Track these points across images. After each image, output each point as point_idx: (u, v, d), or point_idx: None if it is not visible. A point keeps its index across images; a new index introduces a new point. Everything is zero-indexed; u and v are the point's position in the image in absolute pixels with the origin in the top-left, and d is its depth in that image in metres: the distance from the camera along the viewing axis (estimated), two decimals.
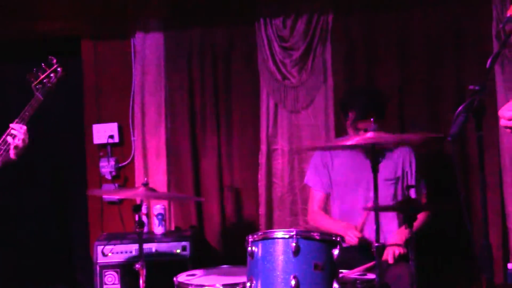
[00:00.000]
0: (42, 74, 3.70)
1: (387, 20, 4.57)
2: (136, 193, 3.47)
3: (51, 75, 3.71)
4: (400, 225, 3.88)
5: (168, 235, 4.40)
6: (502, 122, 2.30)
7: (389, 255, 3.67)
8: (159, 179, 4.73)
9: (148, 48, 4.77)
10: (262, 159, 4.67)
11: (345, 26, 4.61)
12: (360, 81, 4.57)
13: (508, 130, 2.33)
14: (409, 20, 4.55)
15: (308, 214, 4.28)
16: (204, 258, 4.46)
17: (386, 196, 3.88)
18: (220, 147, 4.76)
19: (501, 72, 4.30)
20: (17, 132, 3.47)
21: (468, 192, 4.38)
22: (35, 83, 3.67)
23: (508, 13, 2.09)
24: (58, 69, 3.73)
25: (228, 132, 4.76)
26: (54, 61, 3.74)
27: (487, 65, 2.11)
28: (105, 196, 4.78)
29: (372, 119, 3.27)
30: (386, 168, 3.87)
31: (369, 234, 3.72)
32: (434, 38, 4.53)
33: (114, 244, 4.19)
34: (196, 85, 4.76)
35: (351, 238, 3.68)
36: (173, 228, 4.69)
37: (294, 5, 4.62)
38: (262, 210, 4.66)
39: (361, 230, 3.68)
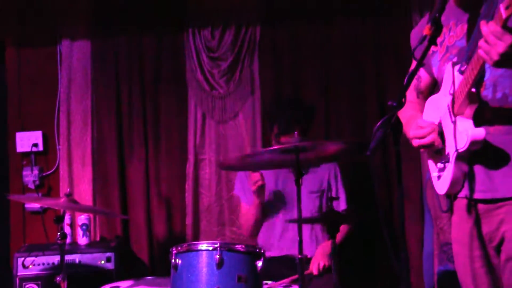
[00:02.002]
0: None
1: (312, 32, 4.63)
2: (57, 203, 3.40)
3: None
4: (317, 237, 3.93)
5: (92, 246, 4.33)
6: (414, 143, 2.39)
7: (314, 267, 3.71)
8: (84, 189, 4.66)
9: (74, 56, 4.71)
10: (190, 169, 4.66)
11: (272, 38, 4.66)
12: (287, 92, 4.62)
13: (422, 150, 2.43)
14: (332, 31, 4.62)
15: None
16: (130, 269, 4.42)
17: (311, 209, 3.93)
18: (147, 157, 4.71)
19: None
20: None
21: (391, 203, 4.48)
22: None
23: (424, 32, 2.15)
24: None
25: (156, 141, 4.72)
26: None
27: (404, 82, 2.16)
28: (27, 206, 4.67)
29: (296, 132, 3.28)
30: (311, 181, 3.91)
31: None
32: (356, 50, 4.61)
33: (36, 256, 4.09)
34: (124, 93, 4.72)
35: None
36: (98, 239, 4.62)
37: (222, 16, 4.64)
38: (189, 220, 4.64)
39: None
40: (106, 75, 4.72)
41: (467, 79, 2.20)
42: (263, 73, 4.65)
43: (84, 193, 4.64)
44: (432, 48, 2.44)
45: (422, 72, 2.60)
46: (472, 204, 2.35)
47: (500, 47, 2.00)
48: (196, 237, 4.61)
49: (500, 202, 2.26)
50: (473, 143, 2.21)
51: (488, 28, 2.02)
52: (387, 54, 4.56)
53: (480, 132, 2.21)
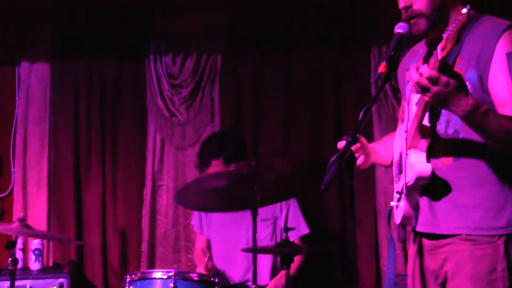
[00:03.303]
0: None
1: (273, 62, 4.68)
2: (9, 229, 3.35)
3: None
4: (274, 264, 3.94)
5: (44, 271, 4.25)
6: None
7: None
8: (39, 212, 4.60)
9: (33, 78, 4.68)
10: (147, 194, 4.64)
11: (233, 67, 4.69)
12: (247, 121, 4.66)
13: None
14: (293, 62, 4.68)
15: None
16: None
17: (264, 236, 3.92)
18: (104, 181, 4.68)
19: (378, 121, 4.49)
20: None
21: (345, 234, 4.51)
22: None
23: (379, 70, 2.19)
24: None
25: (113, 166, 4.70)
26: None
27: (360, 118, 2.19)
28: None
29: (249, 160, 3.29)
30: (263, 208, 3.91)
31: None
32: (316, 81, 4.66)
33: None
34: (82, 117, 4.70)
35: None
36: (51, 264, 4.55)
37: (184, 43, 4.67)
38: (144, 246, 4.60)
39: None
40: (65, 98, 4.70)
41: (418, 112, 2.25)
42: (223, 101, 4.68)
43: (39, 216, 4.58)
44: (408, 78, 2.50)
45: (405, 104, 2.63)
46: (416, 236, 2.39)
47: (434, 90, 2.03)
48: (152, 264, 4.57)
49: (443, 239, 2.29)
50: (419, 178, 2.24)
51: (422, 73, 2.03)
52: (347, 86, 4.63)
53: (427, 168, 2.24)
